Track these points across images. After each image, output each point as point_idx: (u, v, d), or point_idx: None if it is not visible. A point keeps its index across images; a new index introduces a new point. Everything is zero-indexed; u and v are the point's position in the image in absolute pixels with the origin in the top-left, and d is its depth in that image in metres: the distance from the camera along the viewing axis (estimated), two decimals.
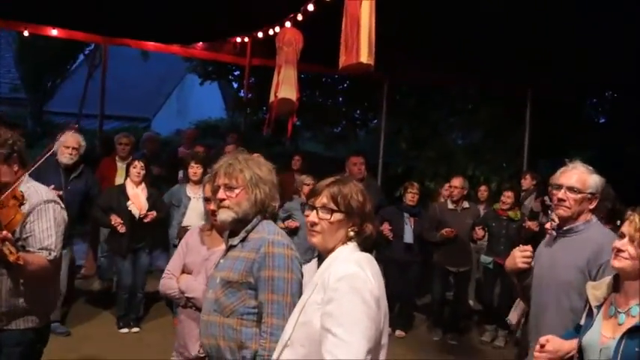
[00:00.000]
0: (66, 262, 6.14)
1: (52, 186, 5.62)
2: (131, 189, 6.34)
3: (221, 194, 2.69)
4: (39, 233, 3.09)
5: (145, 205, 6.32)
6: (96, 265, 7.92)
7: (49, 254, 3.09)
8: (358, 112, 15.93)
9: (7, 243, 2.76)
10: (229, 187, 2.68)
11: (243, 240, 2.68)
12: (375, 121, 15.15)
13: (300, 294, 2.51)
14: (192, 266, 3.44)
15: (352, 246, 2.28)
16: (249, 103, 11.67)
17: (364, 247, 2.30)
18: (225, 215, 2.68)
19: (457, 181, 7.16)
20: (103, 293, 7.43)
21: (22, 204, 3.03)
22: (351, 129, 15.88)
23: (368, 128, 16.02)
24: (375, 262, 2.28)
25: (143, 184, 6.39)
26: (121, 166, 7.42)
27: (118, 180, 7.18)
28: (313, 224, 2.28)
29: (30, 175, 3.30)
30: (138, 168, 6.36)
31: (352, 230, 2.28)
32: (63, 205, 3.34)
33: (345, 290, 2.08)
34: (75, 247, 7.93)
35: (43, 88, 15.99)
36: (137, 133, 11.57)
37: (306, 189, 6.62)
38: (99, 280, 7.76)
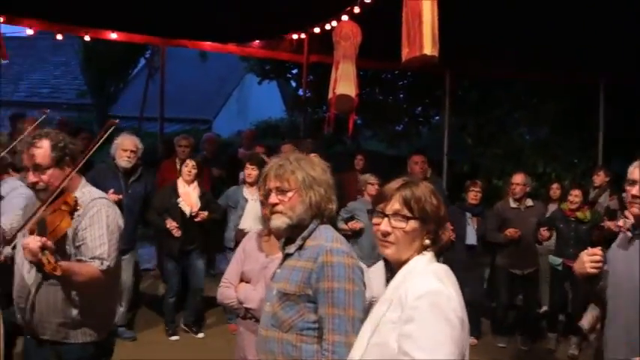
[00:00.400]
0: (130, 267, 6.20)
1: (112, 190, 5.68)
2: (182, 187, 6.26)
3: (273, 198, 2.47)
4: (91, 241, 2.94)
5: (196, 202, 6.21)
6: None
7: (101, 264, 2.93)
8: (420, 108, 15.55)
9: (46, 252, 2.61)
10: (281, 191, 2.47)
11: (299, 248, 2.45)
12: (437, 117, 14.78)
13: (364, 307, 2.29)
14: (251, 274, 3.24)
15: (429, 256, 2.02)
16: (308, 102, 11.52)
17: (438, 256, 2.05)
18: (278, 221, 2.46)
19: (518, 178, 6.77)
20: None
21: (74, 210, 2.90)
22: (413, 126, 15.52)
23: (430, 125, 15.64)
24: (452, 275, 2.02)
25: (195, 183, 6.31)
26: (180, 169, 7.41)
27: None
28: (386, 234, 2.02)
29: (88, 180, 3.20)
30: (189, 167, 6.29)
31: (428, 238, 2.02)
32: (118, 211, 3.18)
33: (426, 309, 1.84)
34: (142, 250, 8.00)
35: (107, 93, 16.37)
36: (198, 134, 11.64)
37: (370, 188, 6.43)
38: (164, 283, 7.76)
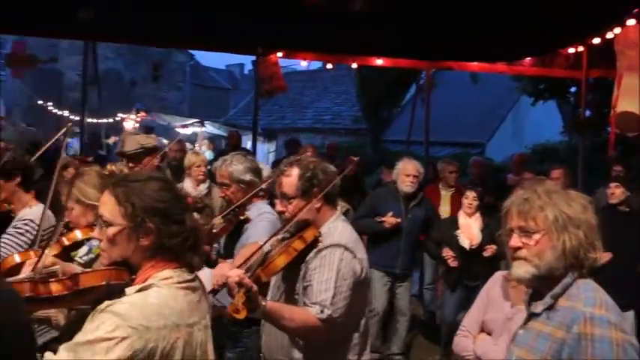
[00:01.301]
0: (407, 294, 6.12)
1: (391, 213, 5.79)
2: (463, 218, 5.94)
3: (514, 241, 1.99)
4: (317, 284, 2.61)
5: (477, 235, 5.81)
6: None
7: (321, 311, 2.55)
8: None
9: (241, 291, 2.35)
10: (525, 232, 1.97)
11: (549, 308, 1.94)
12: None
13: None
14: (493, 325, 2.79)
15: None
16: (588, 122, 10.41)
17: None
18: (520, 270, 1.97)
19: None
20: (425, 325, 7.17)
21: (310, 247, 2.66)
22: None
23: None
24: None
25: (477, 214, 5.92)
26: (444, 194, 7.24)
27: (442, 208, 7.00)
28: None
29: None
30: (470, 199, 5.91)
31: None
32: (362, 255, 2.78)
33: None
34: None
35: (380, 119, 17.02)
36: (468, 159, 11.32)
37: None
38: (423, 312, 7.63)
